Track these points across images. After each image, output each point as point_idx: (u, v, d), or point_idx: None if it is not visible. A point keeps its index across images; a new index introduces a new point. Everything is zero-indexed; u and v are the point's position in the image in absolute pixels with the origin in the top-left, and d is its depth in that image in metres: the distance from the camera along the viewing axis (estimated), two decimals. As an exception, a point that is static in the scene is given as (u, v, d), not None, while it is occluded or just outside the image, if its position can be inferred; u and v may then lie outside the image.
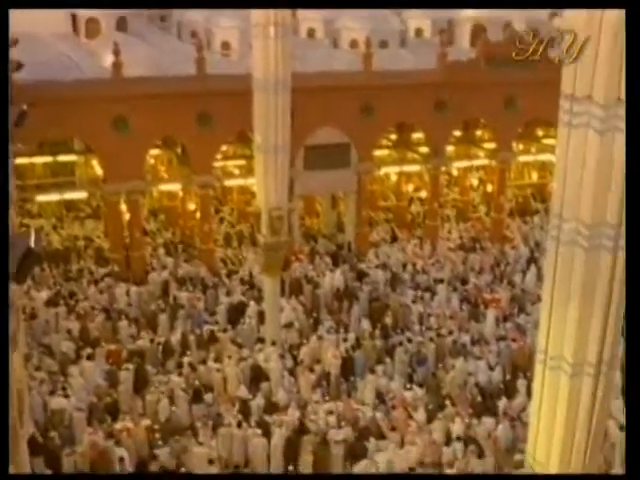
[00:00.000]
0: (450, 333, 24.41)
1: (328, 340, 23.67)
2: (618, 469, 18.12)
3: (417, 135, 34.51)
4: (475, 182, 40.16)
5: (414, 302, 26.72)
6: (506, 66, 30.13)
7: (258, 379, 21.75)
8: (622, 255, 9.05)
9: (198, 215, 31.18)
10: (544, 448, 10.19)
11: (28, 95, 21.46)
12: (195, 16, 37.13)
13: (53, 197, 31.09)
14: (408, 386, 21.78)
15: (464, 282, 28.95)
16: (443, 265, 30.47)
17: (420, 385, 22.03)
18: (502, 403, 20.70)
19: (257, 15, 20.41)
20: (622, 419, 19.67)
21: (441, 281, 28.54)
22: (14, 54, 18.36)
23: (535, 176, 40.25)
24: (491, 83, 30.76)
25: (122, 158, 26.99)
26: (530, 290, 28.01)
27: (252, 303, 25.69)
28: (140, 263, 28.95)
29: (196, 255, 30.46)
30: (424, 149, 33.59)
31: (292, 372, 22.20)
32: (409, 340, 23.81)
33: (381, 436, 19.34)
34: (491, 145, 34.70)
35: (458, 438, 18.98)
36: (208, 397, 20.78)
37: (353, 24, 36.43)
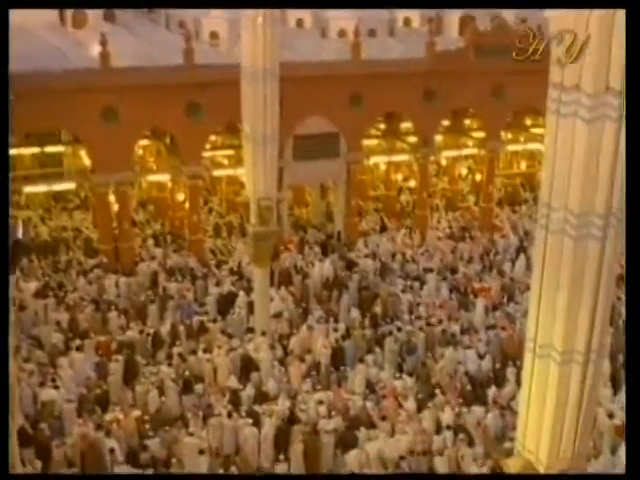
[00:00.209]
0: (440, 322, 24.48)
1: (318, 330, 23.69)
2: (607, 456, 18.23)
3: (406, 124, 34.51)
4: (464, 171, 40.24)
5: (403, 291, 26.77)
6: (494, 55, 30.20)
7: (248, 369, 21.77)
8: (610, 244, 9.09)
9: (187, 206, 31.12)
10: (533, 436, 10.25)
11: (15, 86, 21.25)
12: (183, 6, 36.91)
13: (41, 188, 30.94)
14: (398, 375, 21.85)
15: (453, 271, 29.01)
16: (432, 254, 30.53)
17: (410, 374, 22.08)
18: (492, 392, 20.78)
19: (245, 5, 20.33)
20: (610, 407, 19.83)
21: (430, 270, 28.60)
22: None
23: (524, 165, 40.32)
24: (480, 72, 30.77)
25: (110, 149, 26.86)
26: (519, 279, 28.11)
27: (242, 293, 25.67)
28: (129, 254, 28.87)
29: (185, 246, 30.40)
30: (413, 138, 33.61)
31: (282, 362, 22.21)
32: (399, 329, 23.86)
33: (371, 425, 19.40)
34: (480, 134, 34.73)
35: (448, 427, 19.06)
36: (198, 387, 20.78)
37: (341, 13, 36.32)
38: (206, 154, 31.14)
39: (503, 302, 26.77)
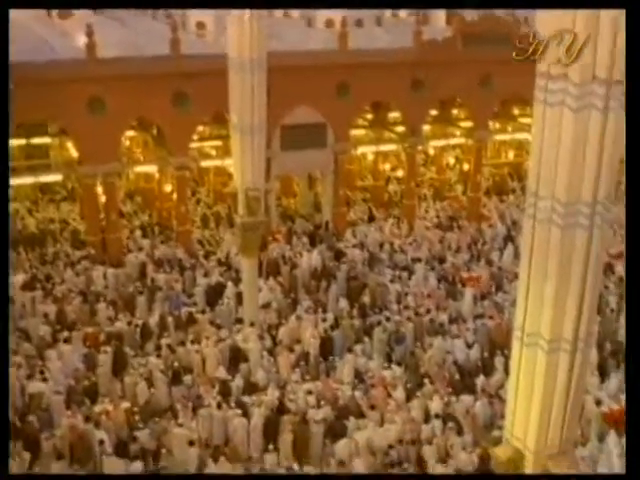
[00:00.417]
0: (428, 312, 24.53)
1: (306, 320, 23.72)
2: (594, 443, 18.35)
3: (393, 114, 34.51)
4: (452, 161, 40.29)
5: (392, 281, 26.82)
6: (482, 44, 30.26)
7: (237, 360, 21.78)
8: (597, 233, 9.12)
9: (175, 197, 31.04)
10: (522, 424, 10.30)
11: None
12: (169, -4, 36.72)
13: (28, 180, 30.76)
14: (386, 365, 21.90)
15: (441, 261, 29.08)
16: (420, 244, 30.57)
17: (399, 364, 22.14)
18: (480, 380, 20.86)
19: (232, -6, 20.24)
20: (598, 394, 19.96)
21: (419, 260, 28.65)
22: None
23: (511, 155, 40.41)
24: (467, 62, 30.77)
25: (97, 140, 26.73)
26: (507, 268, 28.18)
27: (230, 284, 25.66)
28: (117, 245, 28.79)
29: (173, 237, 30.35)
30: (400, 128, 33.60)
31: (271, 352, 22.24)
32: (387, 319, 23.90)
33: (360, 415, 19.45)
34: (467, 124, 34.78)
35: (437, 415, 19.13)
36: (187, 379, 20.77)
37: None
38: (193, 145, 31.06)
39: (491, 291, 26.85)
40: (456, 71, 30.83)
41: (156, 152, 31.90)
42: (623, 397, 20.23)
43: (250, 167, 21.55)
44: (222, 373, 21.19)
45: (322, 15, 36.37)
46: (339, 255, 28.99)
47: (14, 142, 30.92)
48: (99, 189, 29.23)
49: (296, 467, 17.59)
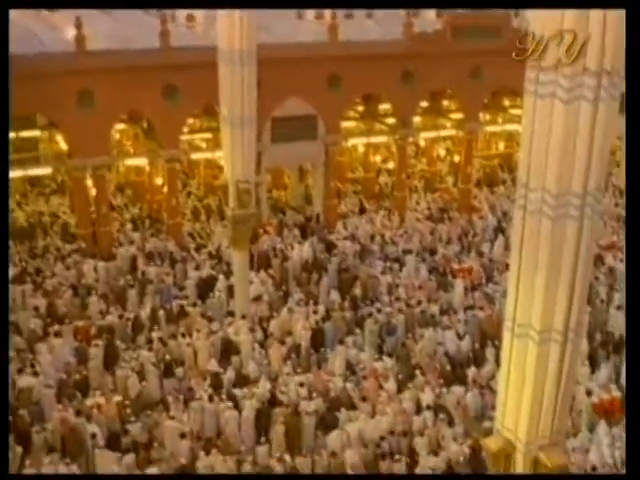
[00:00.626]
0: (419, 303, 24.58)
1: (298, 312, 23.75)
2: (585, 433, 18.45)
3: (384, 106, 34.47)
4: (442, 153, 40.32)
5: (383, 273, 26.85)
6: (472, 37, 30.26)
7: (228, 352, 21.79)
8: (587, 224, 9.14)
9: (165, 189, 30.97)
10: (513, 415, 10.33)
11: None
12: (158, -13, 36.54)
13: (17, 173, 30.52)
14: (378, 356, 21.95)
15: (432, 252, 29.12)
16: (411, 236, 30.60)
17: (390, 355, 22.20)
18: (471, 371, 20.94)
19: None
20: (588, 385, 20.05)
21: (410, 252, 28.68)
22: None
23: (502, 146, 40.44)
24: (457, 54, 30.78)
25: (87, 133, 26.62)
26: (498, 259, 28.25)
27: (221, 277, 25.65)
28: (107, 238, 28.72)
29: (164, 230, 30.29)
30: (391, 120, 33.57)
31: (262, 345, 22.26)
32: (378, 311, 23.94)
33: (352, 406, 19.51)
34: (458, 115, 34.77)
35: (428, 407, 19.20)
36: (179, 371, 20.79)
37: (318, -5, 36.15)
38: (184, 137, 30.98)
39: (482, 282, 26.91)
40: (446, 63, 30.82)
41: (146, 145, 31.81)
42: (613, 387, 20.37)
43: (240, 159, 21.52)
44: (213, 366, 21.21)
45: (312, 7, 36.27)
46: (330, 247, 29.00)
47: (3, 135, 30.82)
48: (89, 182, 29.14)
49: (288, 458, 17.60)
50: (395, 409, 19.08)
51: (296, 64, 28.70)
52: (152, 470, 17.00)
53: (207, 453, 17.53)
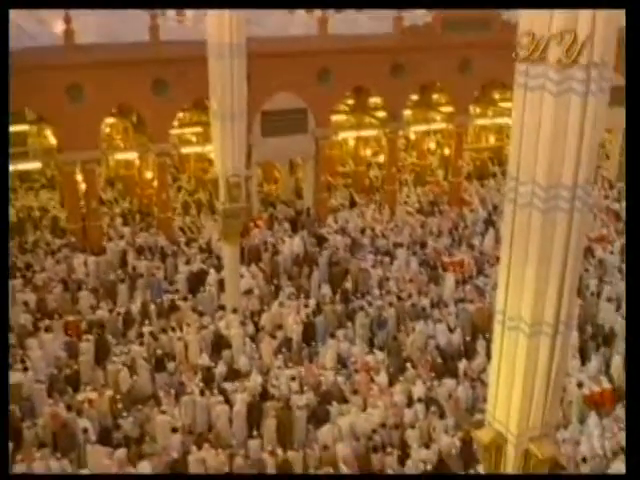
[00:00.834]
0: (410, 296, 24.63)
1: (289, 306, 23.76)
2: (575, 425, 18.53)
3: (374, 99, 34.45)
4: (433, 146, 40.32)
5: (374, 266, 26.87)
6: (462, 29, 30.25)
7: (220, 346, 21.78)
8: (577, 216, 9.17)
9: (155, 183, 30.91)
10: (504, 407, 10.37)
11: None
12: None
13: (6, 168, 30.48)
14: (369, 350, 21.99)
15: (423, 246, 29.15)
16: (402, 229, 30.64)
17: (381, 348, 22.25)
18: (462, 364, 20.99)
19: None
20: (579, 376, 20.14)
21: (400, 245, 28.71)
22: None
23: (492, 139, 40.45)
24: (447, 47, 30.79)
25: (77, 127, 26.54)
26: (488, 252, 28.33)
27: (212, 271, 25.64)
28: (97, 233, 28.65)
29: (154, 224, 30.23)
30: (381, 113, 33.58)
31: (253, 339, 22.28)
32: (369, 304, 23.99)
33: (343, 400, 19.55)
34: (448, 109, 34.77)
35: (419, 399, 19.25)
36: (170, 366, 20.78)
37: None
38: (174, 131, 30.90)
39: (473, 275, 26.97)
40: (436, 56, 30.83)
41: (136, 139, 31.71)
42: (603, 379, 20.47)
43: (231, 153, 21.48)
44: (205, 360, 21.20)
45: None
46: (321, 241, 29.01)
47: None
48: (79, 176, 29.05)
49: (280, 452, 17.63)
50: (386, 402, 19.13)
51: (286, 58, 28.66)
52: (144, 465, 17.01)
53: (199, 447, 17.54)
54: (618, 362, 21.04)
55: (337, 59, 29.68)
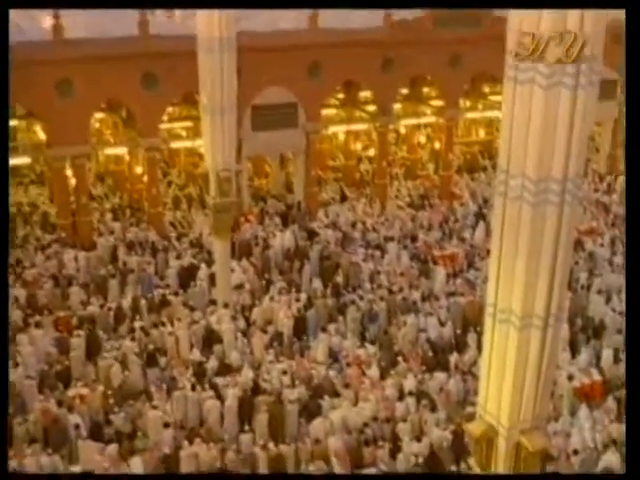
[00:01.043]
0: (401, 290, 24.64)
1: (280, 300, 23.75)
2: (566, 417, 18.59)
3: (364, 93, 34.44)
4: (423, 140, 40.34)
5: (365, 260, 26.88)
6: (452, 24, 30.24)
7: (211, 341, 21.76)
8: (568, 210, 9.19)
9: (145, 178, 30.85)
10: (495, 400, 10.39)
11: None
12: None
13: (-5, 163, 30.35)
14: (360, 344, 22.01)
15: (414, 239, 29.16)
16: (393, 223, 30.65)
17: (372, 342, 22.26)
18: (453, 357, 21.03)
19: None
20: (569, 369, 20.21)
21: (391, 239, 28.73)
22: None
23: (482, 133, 40.54)
24: (437, 40, 30.80)
25: (66, 122, 26.46)
26: (479, 246, 28.36)
27: (203, 265, 25.60)
28: (88, 228, 28.58)
29: (145, 219, 30.17)
30: (372, 107, 33.57)
31: (245, 333, 22.27)
32: (361, 298, 24.01)
33: (335, 394, 19.56)
34: (438, 102, 34.78)
35: (411, 393, 19.28)
36: (161, 361, 20.75)
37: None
38: (164, 126, 30.84)
39: (463, 269, 27.01)
40: (426, 50, 30.84)
41: (126, 134, 31.64)
42: (594, 371, 20.55)
43: (221, 148, 21.45)
44: (196, 355, 21.19)
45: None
46: (312, 235, 29.00)
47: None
48: (68, 172, 28.96)
49: (271, 446, 17.64)
50: (378, 396, 19.16)
51: (276, 52, 28.61)
52: (136, 460, 16.99)
53: (190, 442, 17.52)
54: (608, 354, 21.13)
55: (327, 53, 29.64)
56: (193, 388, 19.32)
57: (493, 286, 9.97)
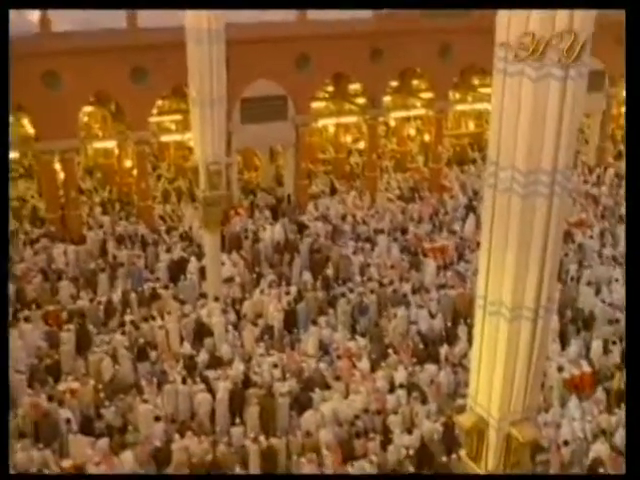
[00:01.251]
0: (391, 283, 24.66)
1: (270, 293, 23.74)
2: (556, 408, 18.67)
3: (354, 86, 34.41)
4: (413, 132, 40.33)
5: (355, 253, 26.88)
6: (440, 15, 30.19)
7: (201, 334, 21.74)
8: (557, 201, 9.20)
9: (135, 172, 30.76)
10: (485, 391, 10.42)
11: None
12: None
13: (-18, 157, 30.20)
14: (351, 336, 22.03)
15: (404, 232, 29.19)
16: (383, 215, 30.66)
17: (363, 335, 22.28)
18: (444, 350, 21.07)
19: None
20: (559, 361, 20.29)
21: (381, 231, 28.74)
22: None
23: (472, 125, 40.59)
24: (426, 32, 30.76)
25: (54, 116, 26.34)
26: (469, 238, 28.40)
27: (193, 259, 25.56)
28: (77, 222, 28.49)
29: (134, 213, 30.09)
30: (361, 100, 33.54)
31: (235, 326, 22.25)
32: (351, 291, 24.01)
33: (326, 386, 19.58)
34: (428, 95, 34.78)
35: (401, 385, 19.33)
36: (152, 354, 20.72)
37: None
38: (153, 119, 30.72)
39: (454, 261, 27.05)
40: (415, 42, 30.81)
41: (115, 127, 31.53)
42: (583, 362, 20.63)
43: (210, 141, 21.42)
44: (187, 348, 21.17)
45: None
46: (302, 228, 28.98)
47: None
48: (57, 166, 28.85)
49: (262, 439, 17.65)
50: (369, 388, 19.19)
51: (265, 44, 28.56)
52: (127, 454, 16.98)
53: (182, 435, 17.53)
54: (598, 345, 21.22)
55: (316, 45, 29.59)
56: (184, 381, 19.30)
57: (483, 278, 9.98)
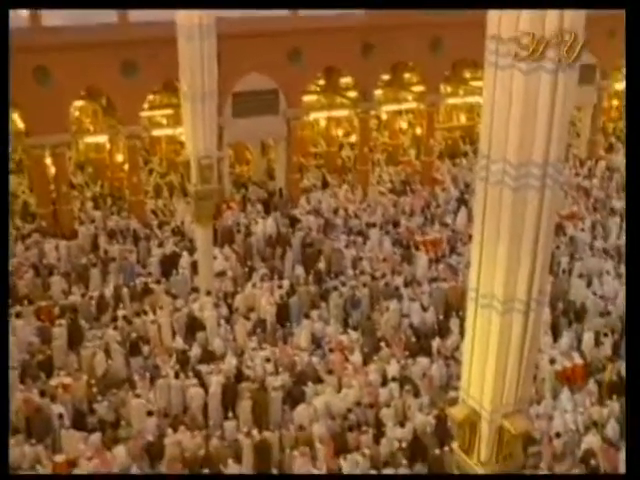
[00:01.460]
0: (383, 276, 24.69)
1: (262, 287, 23.74)
2: (548, 401, 18.74)
3: (345, 80, 34.36)
4: (404, 125, 40.28)
5: (347, 247, 26.89)
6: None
7: (194, 329, 21.74)
8: (549, 194, 9.22)
9: (126, 167, 30.68)
10: (477, 384, 10.45)
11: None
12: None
13: (-27, 153, 30.10)
14: (343, 330, 22.06)
15: (396, 225, 29.21)
16: (375, 209, 30.67)
17: (355, 328, 22.31)
18: (436, 343, 21.13)
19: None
20: (551, 353, 20.37)
21: (373, 225, 28.75)
22: None
23: (463, 118, 40.54)
24: (417, 25, 30.71)
25: (45, 111, 26.23)
26: (461, 231, 28.43)
27: (185, 253, 25.53)
28: (68, 217, 28.41)
29: (126, 207, 30.02)
30: (353, 93, 33.50)
31: (228, 320, 22.25)
32: (343, 284, 24.03)
33: (318, 380, 19.60)
34: (419, 88, 34.75)
35: (394, 378, 19.37)
36: (144, 349, 20.72)
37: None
38: (144, 114, 30.62)
39: (445, 254, 27.08)
40: (407, 35, 30.75)
41: (106, 122, 31.43)
42: (575, 355, 20.72)
43: (202, 135, 21.38)
44: (179, 343, 21.17)
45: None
46: (294, 222, 28.97)
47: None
48: (48, 160, 28.75)
49: (255, 433, 17.68)
50: (361, 381, 19.23)
51: (256, 38, 28.47)
52: (119, 449, 17.00)
53: (174, 430, 17.55)
54: (589, 337, 21.30)
55: (308, 39, 29.50)
56: (176, 376, 19.32)
57: (475, 271, 10.00)
